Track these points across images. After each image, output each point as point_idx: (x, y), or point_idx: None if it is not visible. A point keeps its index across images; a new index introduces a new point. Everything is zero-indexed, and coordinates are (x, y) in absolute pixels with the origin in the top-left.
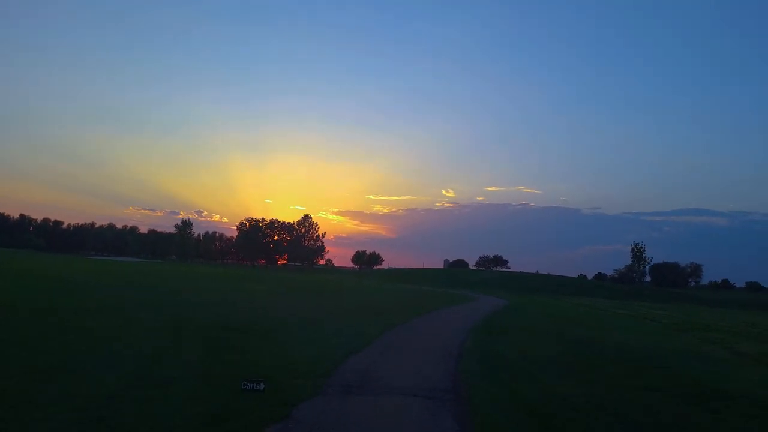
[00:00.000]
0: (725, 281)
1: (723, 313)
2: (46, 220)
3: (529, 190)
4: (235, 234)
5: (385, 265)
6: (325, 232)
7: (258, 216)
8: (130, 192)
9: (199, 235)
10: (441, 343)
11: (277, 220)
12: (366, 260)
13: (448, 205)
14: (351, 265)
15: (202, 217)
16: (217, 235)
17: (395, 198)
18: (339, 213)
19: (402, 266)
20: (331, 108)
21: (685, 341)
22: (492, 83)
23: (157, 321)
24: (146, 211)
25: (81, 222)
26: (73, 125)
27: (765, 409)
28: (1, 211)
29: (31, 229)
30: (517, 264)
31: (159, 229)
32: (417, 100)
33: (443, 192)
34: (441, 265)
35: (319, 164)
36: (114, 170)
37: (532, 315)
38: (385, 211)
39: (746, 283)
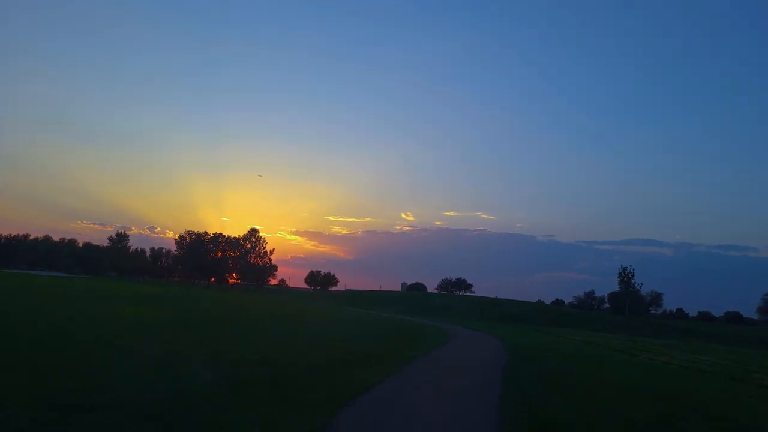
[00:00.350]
0: (680, 310)
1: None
2: None
3: (487, 216)
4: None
5: (342, 287)
6: (273, 249)
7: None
8: (77, 205)
9: (136, 249)
10: None
11: (221, 234)
12: (320, 281)
13: (407, 228)
14: (305, 285)
15: (154, 233)
16: (164, 251)
17: (354, 220)
18: (297, 233)
19: (359, 288)
20: (292, 127)
21: None
22: (454, 108)
23: None
24: (96, 226)
25: (14, 233)
26: (14, 132)
27: None
28: None
29: None
30: (476, 288)
31: (96, 243)
32: (379, 123)
33: (402, 215)
34: (399, 288)
35: (277, 183)
36: (61, 182)
37: (590, 390)
38: (344, 232)
39: (699, 312)
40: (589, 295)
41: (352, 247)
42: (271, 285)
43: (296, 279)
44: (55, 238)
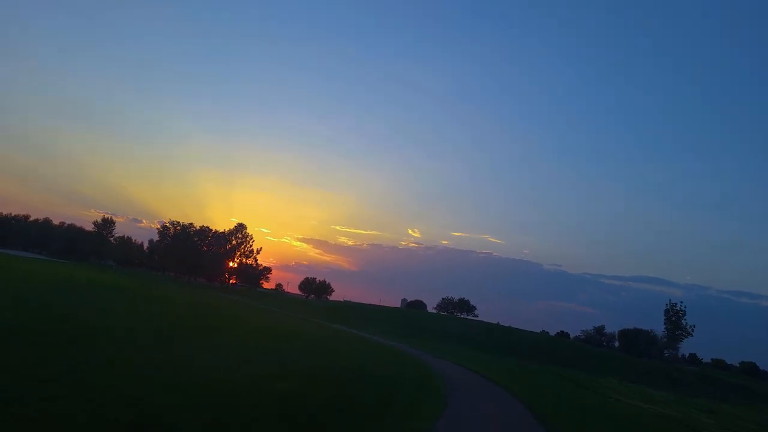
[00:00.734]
0: (693, 356)
1: None
2: None
3: (493, 240)
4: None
5: (340, 297)
6: (261, 248)
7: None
8: (92, 193)
9: (119, 236)
10: None
11: (208, 227)
12: (315, 289)
13: (413, 244)
14: (300, 292)
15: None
16: (155, 241)
17: (361, 231)
18: (303, 240)
19: (358, 300)
20: (307, 131)
21: None
22: (467, 129)
23: None
24: (106, 215)
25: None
26: (37, 117)
27: None
28: None
29: None
30: (478, 312)
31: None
32: (394, 135)
33: (409, 231)
34: (398, 304)
35: (288, 187)
36: (79, 170)
37: None
38: (350, 243)
39: (712, 359)
40: (599, 330)
41: (356, 258)
42: (263, 288)
43: (294, 285)
44: (67, 222)
